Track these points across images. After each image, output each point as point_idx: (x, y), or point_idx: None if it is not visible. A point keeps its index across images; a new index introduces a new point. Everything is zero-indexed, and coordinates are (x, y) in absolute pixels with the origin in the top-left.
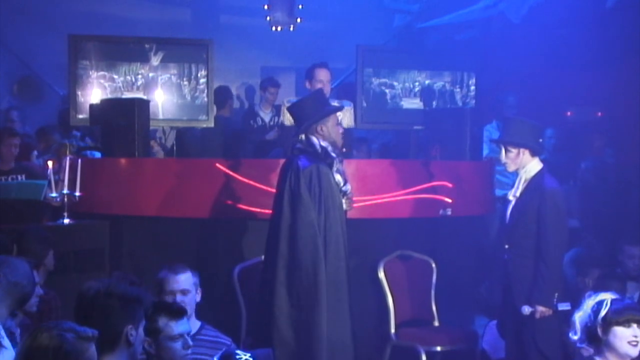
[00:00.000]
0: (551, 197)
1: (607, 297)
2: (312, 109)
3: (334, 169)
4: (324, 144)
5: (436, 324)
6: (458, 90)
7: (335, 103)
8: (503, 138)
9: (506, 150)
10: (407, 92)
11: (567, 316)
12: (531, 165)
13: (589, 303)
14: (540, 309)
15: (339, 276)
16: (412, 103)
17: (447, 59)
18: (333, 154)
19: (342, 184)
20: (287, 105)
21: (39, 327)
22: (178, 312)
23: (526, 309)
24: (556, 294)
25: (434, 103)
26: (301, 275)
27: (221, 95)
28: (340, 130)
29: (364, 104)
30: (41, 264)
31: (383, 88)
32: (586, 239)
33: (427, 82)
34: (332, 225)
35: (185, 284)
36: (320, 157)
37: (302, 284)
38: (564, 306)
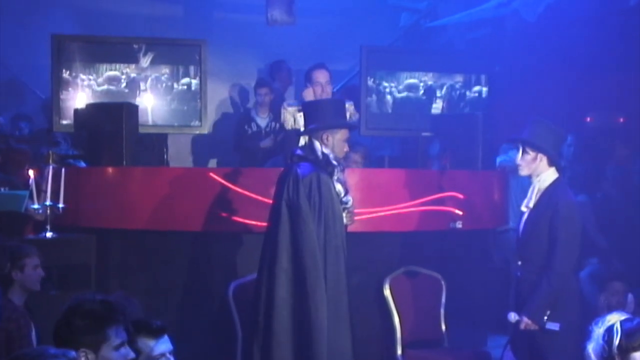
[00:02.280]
0: (565, 209)
1: (615, 319)
2: (328, 114)
3: (335, 177)
4: (326, 151)
5: (446, 345)
6: (469, 93)
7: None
8: (524, 137)
9: (523, 152)
10: (414, 95)
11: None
12: (547, 175)
13: (598, 332)
14: (527, 321)
15: (339, 293)
16: (419, 108)
17: (457, 61)
18: (334, 162)
19: (342, 195)
20: (287, 108)
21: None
22: (158, 331)
23: (512, 316)
24: (548, 312)
25: (443, 108)
26: (307, 291)
27: None
28: (345, 149)
29: (368, 109)
30: (9, 279)
31: (389, 91)
32: (606, 255)
33: (435, 84)
34: (331, 238)
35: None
36: (321, 164)
37: (306, 301)
38: (552, 326)
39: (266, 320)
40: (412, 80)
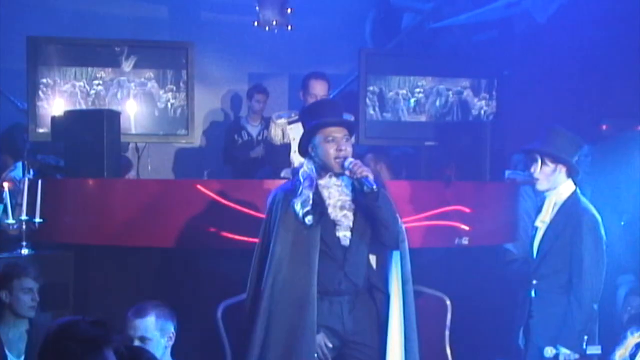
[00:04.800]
0: (588, 224)
1: None
2: (305, 124)
3: (300, 193)
4: (307, 167)
5: None
6: (477, 100)
7: None
8: (542, 147)
9: (542, 163)
10: (417, 102)
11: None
12: (564, 187)
13: (631, 340)
14: (565, 352)
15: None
16: (423, 115)
17: (463, 65)
18: (301, 176)
19: (301, 212)
20: (276, 121)
21: None
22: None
23: (549, 351)
24: (586, 337)
25: (448, 115)
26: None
27: None
28: (333, 151)
29: (368, 116)
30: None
31: (389, 97)
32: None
33: (440, 90)
34: (271, 254)
35: (144, 330)
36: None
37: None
38: (593, 349)
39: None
40: (414, 86)
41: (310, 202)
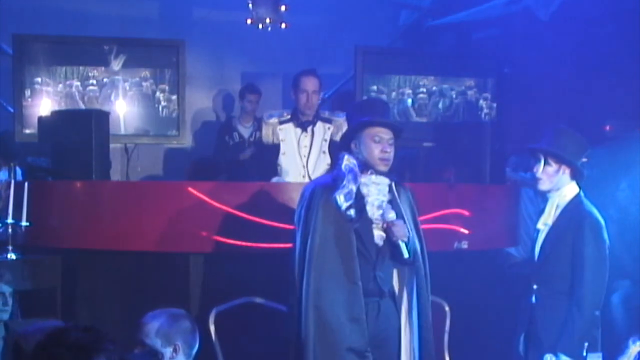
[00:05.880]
0: (591, 227)
1: None
2: (353, 118)
3: (343, 189)
4: (348, 162)
5: None
6: (475, 99)
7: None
8: (547, 147)
9: (545, 163)
10: (415, 102)
11: None
12: (568, 189)
13: (633, 349)
14: (565, 359)
15: (318, 302)
16: (420, 115)
17: (462, 63)
18: (345, 171)
19: (345, 207)
20: (267, 121)
21: None
22: None
23: (548, 358)
24: (586, 344)
25: (447, 115)
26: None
27: None
28: (378, 151)
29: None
30: None
31: (386, 97)
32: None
33: (438, 89)
34: (311, 251)
35: (144, 335)
36: (333, 176)
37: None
38: (594, 357)
39: None
40: (416, 85)
41: (354, 195)
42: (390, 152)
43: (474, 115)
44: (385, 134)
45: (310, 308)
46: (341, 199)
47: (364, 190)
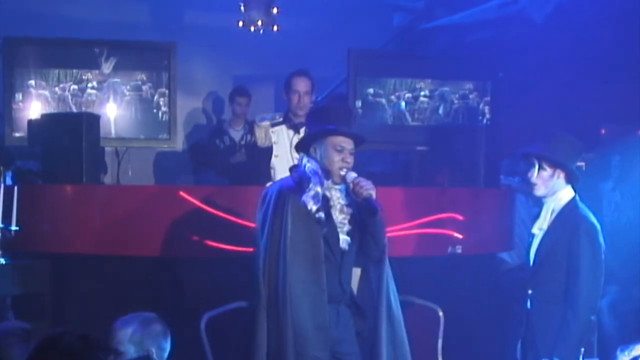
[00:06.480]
0: (587, 232)
1: None
2: (313, 123)
3: (309, 192)
4: (310, 165)
5: None
6: (470, 102)
7: None
8: (541, 152)
9: (540, 168)
10: (409, 104)
11: None
12: (563, 193)
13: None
14: None
15: (279, 301)
16: (414, 118)
17: (456, 66)
18: (310, 174)
19: (314, 211)
20: (259, 124)
21: None
22: None
23: None
24: (582, 349)
25: (441, 118)
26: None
27: None
28: (339, 159)
29: (357, 119)
30: None
31: (380, 100)
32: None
33: (431, 92)
34: (274, 252)
35: (117, 342)
36: (295, 179)
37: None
38: None
39: None
40: (408, 88)
41: (321, 198)
42: (351, 162)
43: (475, 120)
44: (348, 144)
45: (287, 315)
46: (310, 203)
47: (327, 193)
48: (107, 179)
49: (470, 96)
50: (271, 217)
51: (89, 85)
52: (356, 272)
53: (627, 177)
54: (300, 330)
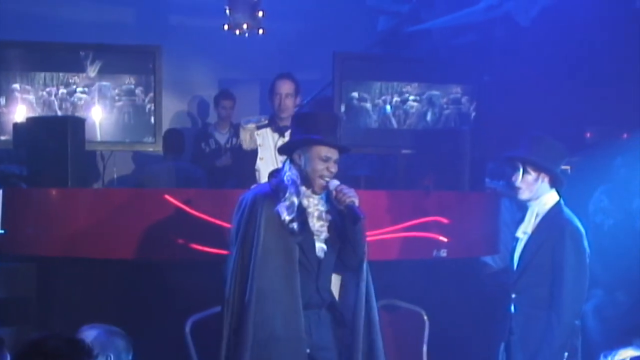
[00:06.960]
0: (571, 236)
1: (627, 355)
2: (299, 130)
3: (285, 201)
4: (290, 173)
5: None
6: (455, 106)
7: None
8: (525, 155)
9: (524, 172)
10: (396, 108)
11: None
12: (547, 197)
13: None
14: None
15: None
16: (399, 121)
17: (441, 70)
18: (288, 182)
19: (287, 220)
20: (244, 126)
21: None
22: None
23: None
24: (566, 354)
25: (426, 122)
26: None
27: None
28: (322, 168)
29: (342, 123)
30: None
31: (364, 104)
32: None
33: (417, 96)
34: (246, 262)
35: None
36: (273, 186)
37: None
38: None
39: None
40: (390, 91)
41: (296, 208)
42: (335, 171)
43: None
44: (333, 154)
45: (249, 323)
46: (284, 213)
47: (305, 201)
48: (98, 184)
49: (462, 100)
50: (245, 224)
51: (78, 89)
52: (338, 278)
53: (612, 180)
54: (271, 340)
